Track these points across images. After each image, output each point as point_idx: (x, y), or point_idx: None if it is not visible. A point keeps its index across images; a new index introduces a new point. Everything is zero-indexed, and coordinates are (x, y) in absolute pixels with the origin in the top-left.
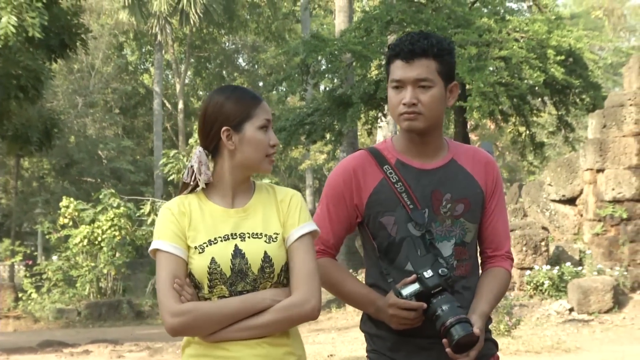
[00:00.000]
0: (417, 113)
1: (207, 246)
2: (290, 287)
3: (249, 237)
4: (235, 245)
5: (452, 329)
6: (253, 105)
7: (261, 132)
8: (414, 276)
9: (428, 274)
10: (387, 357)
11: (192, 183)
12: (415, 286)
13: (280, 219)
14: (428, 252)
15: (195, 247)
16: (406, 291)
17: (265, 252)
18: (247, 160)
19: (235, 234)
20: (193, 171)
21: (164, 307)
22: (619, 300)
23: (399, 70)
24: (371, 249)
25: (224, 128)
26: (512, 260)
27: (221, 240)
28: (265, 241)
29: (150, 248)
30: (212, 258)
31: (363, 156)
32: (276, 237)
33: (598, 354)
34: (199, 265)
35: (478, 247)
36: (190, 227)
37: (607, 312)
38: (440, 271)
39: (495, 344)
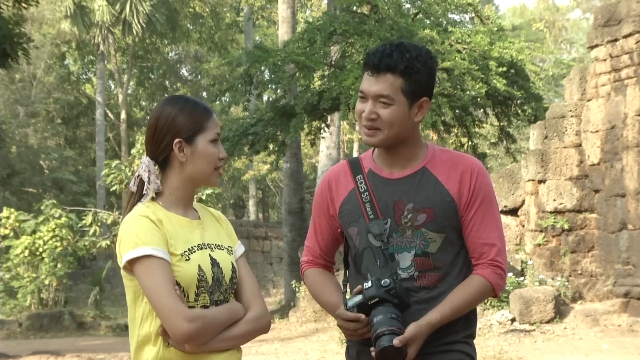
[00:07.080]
0: (376, 128)
1: (190, 254)
2: (243, 301)
3: (215, 248)
4: (210, 255)
5: (378, 340)
6: (205, 118)
7: (212, 145)
8: (359, 287)
9: (367, 285)
10: None
11: (145, 192)
12: (359, 297)
13: (225, 234)
14: (388, 262)
15: (181, 255)
16: (350, 302)
17: (232, 264)
18: (197, 172)
19: (205, 244)
20: (141, 180)
21: (175, 311)
22: (560, 310)
23: (365, 81)
24: (350, 259)
25: (176, 140)
26: (500, 267)
27: (198, 249)
28: (228, 253)
29: (134, 255)
30: (199, 266)
31: (341, 166)
32: (232, 251)
33: None
34: (188, 272)
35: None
36: (169, 235)
37: (548, 322)
38: (382, 282)
39: (469, 354)
